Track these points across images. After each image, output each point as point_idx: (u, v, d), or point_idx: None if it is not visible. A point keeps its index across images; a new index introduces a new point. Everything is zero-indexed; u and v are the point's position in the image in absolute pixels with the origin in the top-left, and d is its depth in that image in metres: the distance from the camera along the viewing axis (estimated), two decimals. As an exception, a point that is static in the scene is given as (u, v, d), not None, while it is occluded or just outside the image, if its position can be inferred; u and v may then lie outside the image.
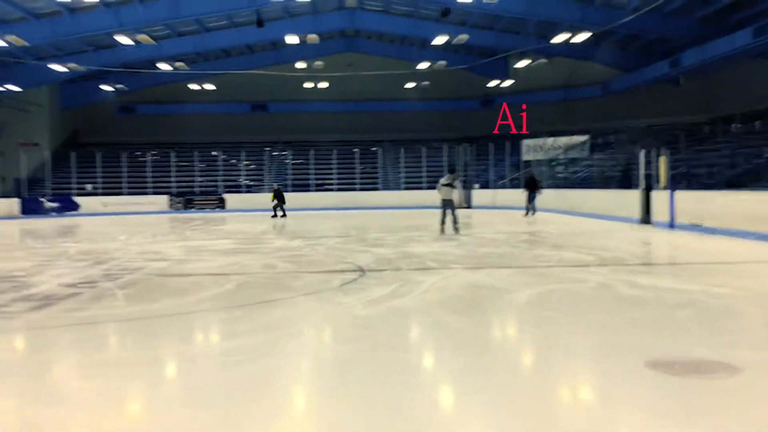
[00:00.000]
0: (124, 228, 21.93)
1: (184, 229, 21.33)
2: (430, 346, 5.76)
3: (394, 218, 25.28)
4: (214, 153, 39.52)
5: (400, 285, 8.64)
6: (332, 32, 38.16)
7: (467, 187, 34.32)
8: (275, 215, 27.10)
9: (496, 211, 29.53)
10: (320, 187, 38.17)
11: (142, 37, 24.77)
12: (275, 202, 27.51)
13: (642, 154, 20.14)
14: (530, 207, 25.42)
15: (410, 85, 38.90)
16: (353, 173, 39.23)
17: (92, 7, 26.76)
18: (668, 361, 4.91)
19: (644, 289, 8.18)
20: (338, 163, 39.49)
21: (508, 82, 36.77)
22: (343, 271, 10.24)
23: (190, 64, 38.07)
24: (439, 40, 27.96)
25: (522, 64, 31.79)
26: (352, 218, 25.83)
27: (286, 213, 27.44)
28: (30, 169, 36.57)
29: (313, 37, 28.25)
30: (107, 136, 41.72)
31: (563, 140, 34.04)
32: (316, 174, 38.96)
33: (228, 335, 6.18)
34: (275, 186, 29.27)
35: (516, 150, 35.30)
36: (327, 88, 40.13)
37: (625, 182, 24.43)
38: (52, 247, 15.37)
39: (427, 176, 36.77)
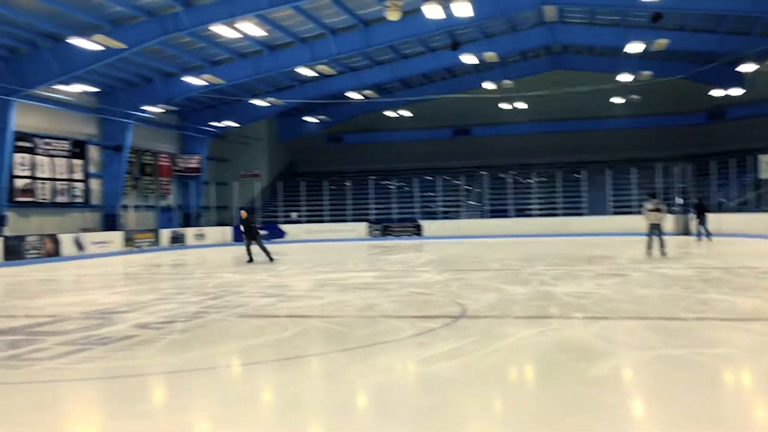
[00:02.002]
0: (304, 256, 22.25)
1: (352, 259, 21.09)
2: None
3: (584, 247, 22.86)
4: (410, 179, 39.38)
5: (476, 340, 7.14)
6: (537, 50, 36.33)
7: (685, 211, 30.34)
8: (251, 258, 19.45)
9: (718, 238, 25.10)
10: (520, 213, 36.14)
11: (322, 68, 25.23)
12: (246, 236, 19.65)
13: None
14: (703, 232, 24.44)
15: (618, 100, 35.61)
16: (555, 197, 36.79)
17: (289, 44, 28.11)
18: None
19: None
20: (539, 187, 37.27)
21: (737, 91, 32.06)
22: (437, 316, 8.88)
23: (391, 93, 38.71)
24: (634, 47, 24.96)
25: (751, 68, 27.52)
26: (536, 246, 23.79)
27: (253, 257, 19.49)
28: (247, 199, 39.32)
29: (491, 55, 26.79)
30: (317, 166, 43.61)
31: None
32: (515, 199, 37.10)
33: (185, 408, 5.22)
34: (243, 213, 20.67)
35: (743, 168, 30.43)
36: (530, 108, 38.19)
37: None
38: (204, 278, 15.68)
39: (639, 199, 33.20)
